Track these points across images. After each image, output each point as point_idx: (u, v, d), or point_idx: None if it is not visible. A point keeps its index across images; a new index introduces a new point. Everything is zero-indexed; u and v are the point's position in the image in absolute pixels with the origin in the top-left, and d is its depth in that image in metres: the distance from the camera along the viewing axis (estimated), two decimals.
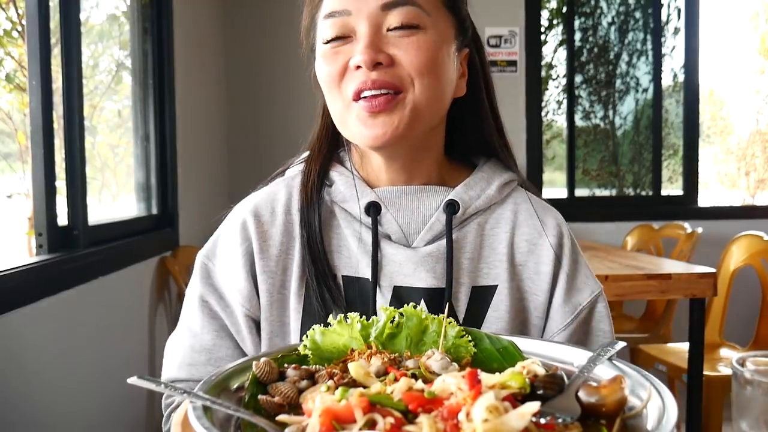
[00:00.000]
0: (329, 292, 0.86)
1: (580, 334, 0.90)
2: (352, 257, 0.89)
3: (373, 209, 0.88)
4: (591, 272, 0.94)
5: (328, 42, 0.84)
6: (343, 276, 0.88)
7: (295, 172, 0.96)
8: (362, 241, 0.88)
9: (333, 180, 0.91)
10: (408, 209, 0.89)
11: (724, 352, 2.62)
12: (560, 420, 0.47)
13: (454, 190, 0.91)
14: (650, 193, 3.94)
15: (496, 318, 0.88)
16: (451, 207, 0.89)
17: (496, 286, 0.89)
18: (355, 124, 0.84)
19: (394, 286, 0.86)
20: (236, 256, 0.89)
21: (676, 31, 3.88)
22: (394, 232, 0.88)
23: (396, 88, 0.82)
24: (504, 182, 0.94)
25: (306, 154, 0.97)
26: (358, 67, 0.81)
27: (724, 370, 2.41)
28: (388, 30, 0.82)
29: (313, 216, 0.89)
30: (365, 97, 0.82)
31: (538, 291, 0.90)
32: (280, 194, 0.93)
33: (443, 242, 0.88)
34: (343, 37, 0.83)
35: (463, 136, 0.96)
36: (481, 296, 0.89)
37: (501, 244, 0.91)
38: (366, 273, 0.87)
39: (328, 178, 0.92)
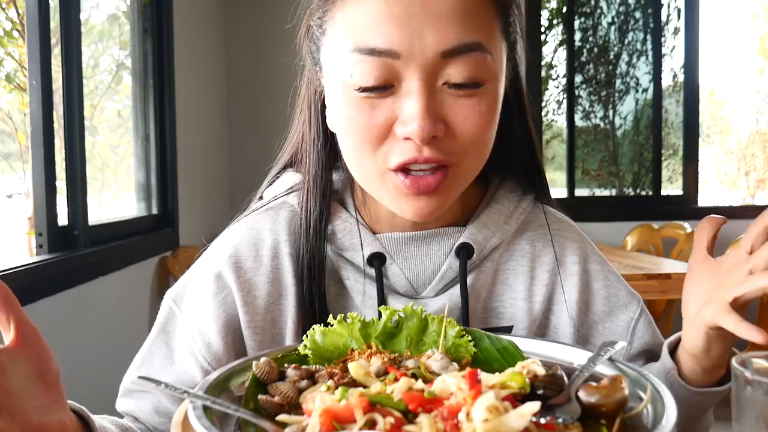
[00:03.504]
0: None
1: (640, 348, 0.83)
2: (354, 309, 0.78)
3: (377, 261, 0.77)
4: (627, 286, 0.85)
5: (363, 89, 0.66)
6: None
7: (278, 202, 0.83)
8: (366, 294, 0.78)
9: (332, 226, 0.79)
10: (416, 258, 0.78)
11: None
12: (560, 420, 0.47)
13: (466, 231, 0.79)
14: (650, 193, 3.94)
15: None
16: (465, 251, 0.77)
17: (511, 328, 0.81)
18: (393, 196, 0.71)
19: None
20: (209, 307, 0.77)
21: (676, 31, 3.88)
22: (401, 286, 0.78)
23: (446, 163, 0.68)
24: (521, 211, 0.82)
25: (288, 179, 0.84)
26: (407, 138, 0.66)
27: None
28: (445, 83, 0.66)
29: (314, 267, 0.77)
30: (410, 173, 0.68)
31: (561, 324, 0.82)
32: (264, 234, 0.80)
33: (456, 290, 0.78)
34: (383, 86, 0.66)
35: None
36: None
37: (518, 280, 0.82)
38: None
39: (329, 223, 0.79)
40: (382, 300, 0.77)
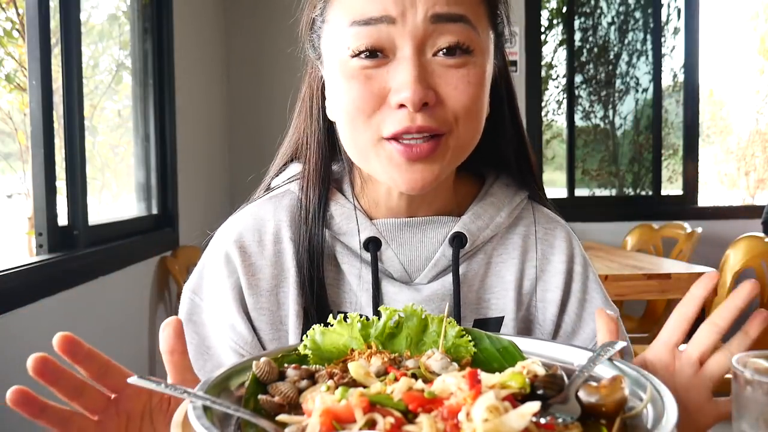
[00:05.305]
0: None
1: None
2: (351, 293, 0.81)
3: (373, 245, 0.79)
4: (606, 296, 0.86)
5: (357, 55, 0.70)
6: (339, 312, 0.80)
7: (281, 190, 0.86)
8: (362, 279, 0.80)
9: (330, 211, 0.81)
10: (411, 244, 0.81)
11: None
12: (560, 420, 0.47)
13: (461, 221, 0.81)
14: (650, 193, 3.94)
15: None
16: (458, 240, 0.80)
17: (502, 318, 0.83)
18: (385, 166, 0.72)
19: None
20: (225, 290, 0.80)
21: (676, 31, 3.88)
22: (395, 270, 0.81)
23: (439, 131, 0.70)
24: (515, 206, 0.85)
25: (293, 170, 0.87)
26: (401, 105, 0.69)
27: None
28: (434, 54, 0.70)
29: (313, 251, 0.80)
30: (403, 141, 0.70)
31: (543, 320, 0.85)
32: (267, 220, 0.83)
33: (449, 278, 0.80)
34: (377, 53, 0.69)
35: (477, 149, 0.81)
36: (485, 329, 0.84)
37: (509, 272, 0.84)
38: (366, 311, 0.80)
39: (327, 208, 0.82)
40: (377, 284, 0.79)
